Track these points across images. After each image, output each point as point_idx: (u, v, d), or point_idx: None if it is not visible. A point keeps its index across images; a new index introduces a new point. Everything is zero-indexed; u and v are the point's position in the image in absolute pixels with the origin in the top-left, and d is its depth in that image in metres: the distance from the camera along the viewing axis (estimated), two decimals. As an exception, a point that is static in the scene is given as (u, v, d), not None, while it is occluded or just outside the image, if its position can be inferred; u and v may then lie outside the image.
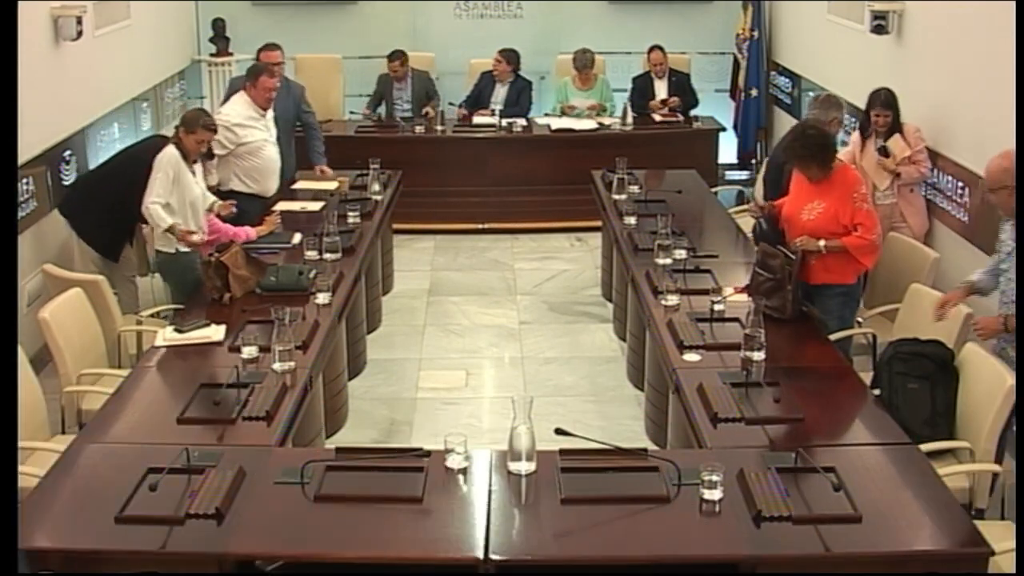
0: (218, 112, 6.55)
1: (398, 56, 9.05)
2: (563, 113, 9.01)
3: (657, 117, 8.90)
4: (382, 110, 9.21)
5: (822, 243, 4.89)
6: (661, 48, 9.05)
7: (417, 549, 3.24)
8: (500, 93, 9.05)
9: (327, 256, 5.62)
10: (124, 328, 5.32)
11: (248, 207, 6.40)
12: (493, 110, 8.92)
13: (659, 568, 3.21)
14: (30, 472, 3.79)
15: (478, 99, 9.08)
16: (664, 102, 8.98)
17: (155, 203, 5.37)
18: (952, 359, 4.33)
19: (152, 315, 5.62)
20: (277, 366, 4.30)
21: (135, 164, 5.96)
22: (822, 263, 4.94)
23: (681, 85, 9.13)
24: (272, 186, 6.72)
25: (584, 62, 8.97)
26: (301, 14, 9.91)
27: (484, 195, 8.64)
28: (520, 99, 9.06)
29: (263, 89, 6.50)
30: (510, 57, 8.97)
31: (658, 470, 3.55)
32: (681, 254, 5.60)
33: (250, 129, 6.47)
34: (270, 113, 6.69)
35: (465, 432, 3.78)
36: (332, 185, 7.05)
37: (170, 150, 5.45)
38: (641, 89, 9.12)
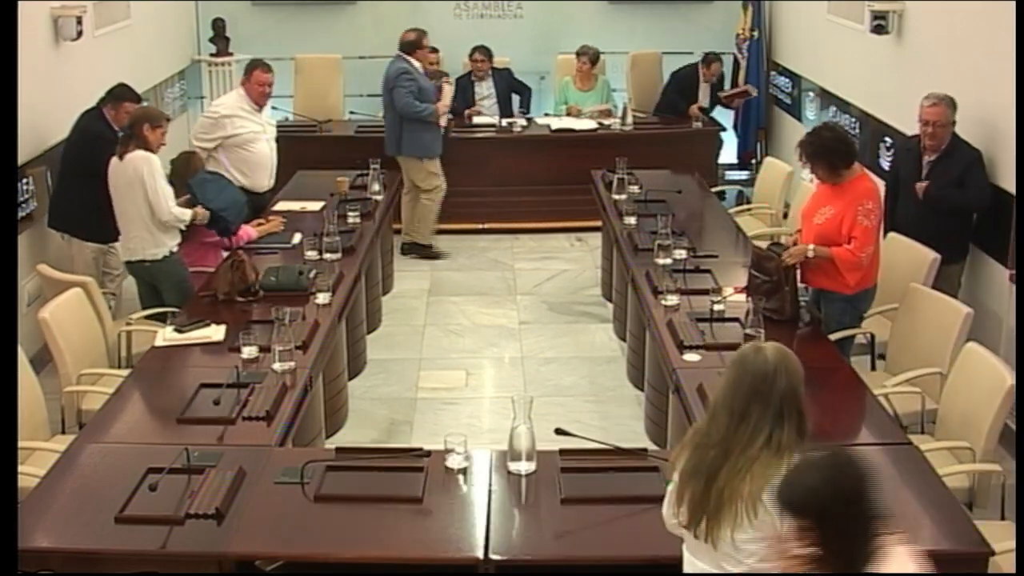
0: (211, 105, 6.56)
1: (436, 50, 9.01)
2: (569, 114, 9.00)
3: (695, 123, 8.85)
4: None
5: (811, 248, 4.90)
6: (721, 59, 9.05)
7: (417, 549, 3.25)
8: (484, 90, 9.05)
9: (327, 256, 5.62)
10: (122, 329, 5.32)
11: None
12: (480, 110, 8.98)
13: (659, 568, 3.21)
14: (30, 472, 3.79)
15: (463, 103, 9.07)
16: (703, 109, 8.96)
17: (173, 206, 5.45)
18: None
19: (146, 317, 5.60)
20: (277, 366, 4.30)
21: (92, 145, 5.93)
22: (818, 267, 4.95)
23: (718, 84, 9.19)
24: (263, 182, 6.72)
25: (590, 56, 8.95)
26: (301, 14, 9.91)
27: (484, 195, 8.62)
28: (513, 90, 9.07)
29: (256, 83, 6.54)
30: (489, 53, 8.97)
31: (658, 470, 3.55)
32: (681, 254, 5.60)
33: (242, 120, 6.47)
34: (268, 111, 6.68)
35: (465, 432, 3.79)
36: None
37: (148, 155, 5.38)
38: (687, 86, 9.01)
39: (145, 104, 6.28)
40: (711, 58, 9.00)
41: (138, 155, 5.38)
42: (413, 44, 7.87)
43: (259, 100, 6.60)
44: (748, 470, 2.67)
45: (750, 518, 2.66)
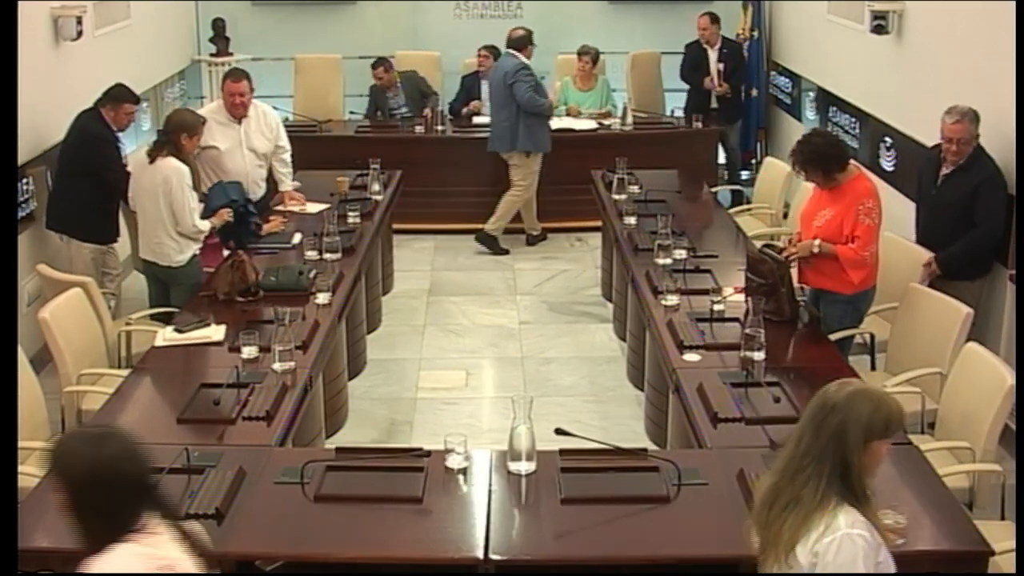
0: None
1: (380, 64, 8.96)
2: (569, 114, 9.00)
3: (715, 94, 9.02)
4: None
5: (816, 243, 4.90)
6: (711, 14, 9.11)
7: (417, 549, 3.25)
8: (487, 90, 9.04)
9: (327, 256, 5.63)
10: (122, 329, 5.33)
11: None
12: (480, 109, 8.99)
13: (659, 568, 3.21)
14: (30, 472, 3.78)
15: (467, 101, 9.06)
16: (718, 81, 9.04)
17: (196, 219, 5.46)
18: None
19: (146, 317, 5.60)
20: (277, 366, 4.30)
21: (90, 145, 5.96)
22: (818, 267, 4.95)
23: (734, 55, 9.20)
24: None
25: (591, 56, 8.97)
26: (301, 14, 9.91)
27: (484, 195, 8.61)
28: None
29: (227, 94, 6.31)
30: (497, 52, 8.96)
31: (658, 470, 3.55)
32: (681, 254, 5.60)
33: (212, 133, 6.21)
34: (267, 119, 6.51)
35: (465, 432, 3.79)
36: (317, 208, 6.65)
37: (179, 166, 5.38)
38: (694, 59, 9.14)
39: (145, 103, 6.27)
40: (699, 15, 9.14)
41: (170, 164, 5.38)
42: (523, 40, 8.07)
43: (232, 111, 6.31)
44: (792, 511, 2.62)
45: (782, 568, 2.65)
